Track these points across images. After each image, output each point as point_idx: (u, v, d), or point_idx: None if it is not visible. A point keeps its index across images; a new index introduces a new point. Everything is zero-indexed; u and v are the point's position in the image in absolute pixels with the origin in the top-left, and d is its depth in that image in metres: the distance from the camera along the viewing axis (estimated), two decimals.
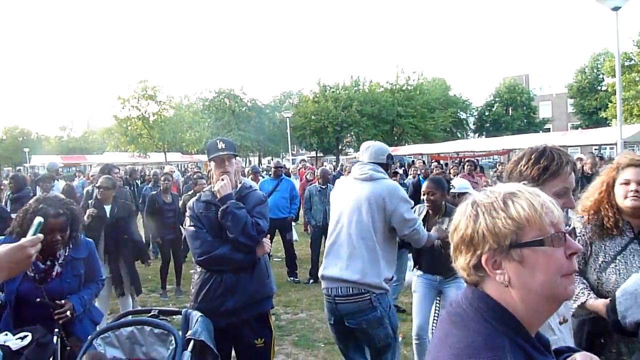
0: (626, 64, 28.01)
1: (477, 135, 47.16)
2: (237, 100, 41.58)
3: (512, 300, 1.05)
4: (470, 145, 27.07)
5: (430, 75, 44.75)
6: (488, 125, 46.12)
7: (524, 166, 1.74)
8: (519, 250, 1.03)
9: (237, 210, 2.94)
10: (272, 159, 14.58)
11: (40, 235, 1.58)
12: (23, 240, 1.54)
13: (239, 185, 3.14)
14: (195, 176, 8.56)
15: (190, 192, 7.30)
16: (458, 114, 44.59)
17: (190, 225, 3.05)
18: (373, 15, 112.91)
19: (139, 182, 12.14)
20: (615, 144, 9.62)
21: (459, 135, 44.30)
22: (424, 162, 18.82)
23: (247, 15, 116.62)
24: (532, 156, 1.74)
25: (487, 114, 46.72)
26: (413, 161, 22.51)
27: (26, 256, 1.53)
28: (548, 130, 45.11)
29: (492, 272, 1.05)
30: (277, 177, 8.04)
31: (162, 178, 7.17)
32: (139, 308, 5.29)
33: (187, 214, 3.14)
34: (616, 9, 8.01)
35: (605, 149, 21.18)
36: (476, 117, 47.75)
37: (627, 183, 2.21)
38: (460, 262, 1.10)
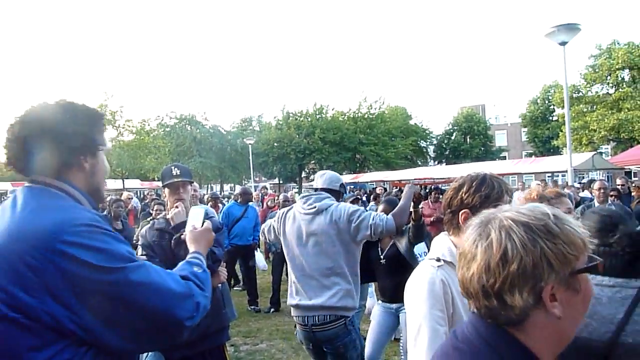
0: (574, 95, 29.57)
1: (437, 163, 48.28)
2: (198, 126, 41.23)
3: (552, 334, 0.95)
4: (431, 172, 27.63)
5: (392, 104, 45.87)
6: (447, 153, 47.34)
7: (465, 194, 1.75)
8: (576, 278, 0.94)
9: None
10: (234, 186, 14.38)
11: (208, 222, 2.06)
12: (207, 224, 2.03)
13: None
14: (153, 203, 8.33)
15: (149, 219, 7.09)
16: (418, 142, 45.60)
17: (142, 254, 2.94)
18: (337, 43, 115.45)
19: None
20: (566, 172, 10.01)
21: (420, 163, 45.20)
22: (385, 190, 19.02)
23: (211, 40, 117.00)
24: (474, 184, 1.75)
25: (446, 142, 48.00)
26: (374, 188, 22.72)
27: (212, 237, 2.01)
28: (504, 158, 46.67)
29: (550, 306, 0.92)
30: (245, 203, 7.95)
31: (114, 205, 6.91)
32: None
33: (139, 242, 3.04)
34: (563, 43, 8.45)
35: (558, 175, 22.03)
36: (436, 145, 48.96)
37: None
38: (515, 299, 0.91)
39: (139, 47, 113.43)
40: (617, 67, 27.74)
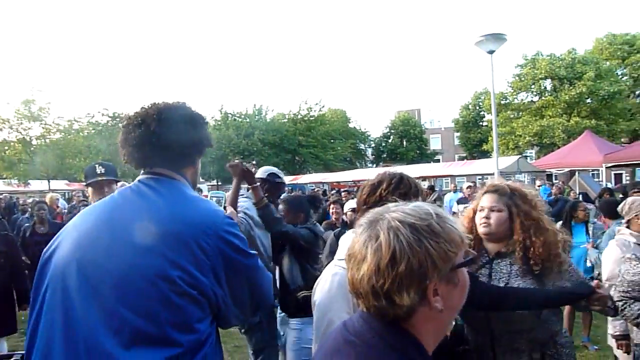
0: (502, 102, 31.24)
1: (375, 165, 49.32)
2: None
3: (434, 325, 1.01)
4: (369, 174, 27.97)
5: (332, 107, 46.41)
6: (385, 155, 48.47)
7: (384, 190, 1.77)
8: (455, 273, 0.99)
9: None
10: None
11: None
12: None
13: None
14: (80, 205, 7.95)
15: None
16: (357, 145, 46.41)
17: None
18: (277, 45, 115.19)
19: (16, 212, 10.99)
20: (493, 174, 10.55)
21: (358, 165, 45.97)
22: (324, 192, 19.20)
23: (147, 36, 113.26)
24: (393, 181, 1.79)
25: (384, 145, 49.14)
26: (313, 189, 22.86)
27: None
28: (438, 160, 48.42)
29: (433, 301, 0.96)
30: None
31: (36, 207, 6.46)
32: (5, 353, 4.69)
33: None
34: (491, 52, 8.88)
35: (487, 178, 23.14)
36: (374, 147, 50.02)
37: (482, 210, 2.34)
38: (404, 299, 0.94)
39: (72, 41, 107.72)
40: (540, 76, 29.62)
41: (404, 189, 1.77)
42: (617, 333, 3.57)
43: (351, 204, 5.28)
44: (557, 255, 2.23)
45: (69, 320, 1.35)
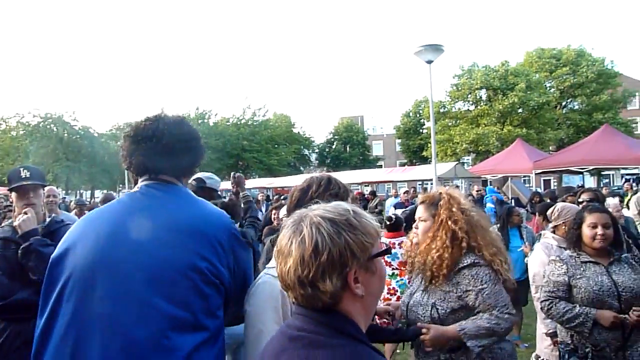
0: (441, 111, 32.37)
1: (319, 170, 49.60)
2: (66, 127, 37.74)
3: (360, 310, 1.10)
4: None
5: (276, 112, 46.26)
6: (329, 161, 48.88)
7: (314, 193, 1.77)
8: (373, 262, 1.10)
9: (43, 248, 2.59)
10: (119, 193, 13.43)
11: None
12: None
13: (48, 219, 2.78)
14: (5, 209, 7.44)
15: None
16: (301, 150, 46.50)
17: None
18: (222, 49, 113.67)
19: None
20: (432, 180, 10.90)
21: (302, 170, 46.07)
22: (268, 197, 19.10)
23: (83, 34, 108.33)
24: (322, 184, 1.80)
25: (327, 150, 49.55)
26: (257, 194, 22.69)
27: None
28: (380, 166, 49.43)
29: (354, 287, 1.06)
30: None
31: None
32: None
33: None
34: (429, 62, 9.20)
35: (427, 184, 23.88)
36: (318, 153, 50.32)
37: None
38: (327, 286, 1.04)
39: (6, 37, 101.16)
40: (476, 86, 30.96)
41: (334, 189, 1.78)
42: (551, 331, 3.74)
43: (285, 210, 5.27)
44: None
45: (103, 315, 1.46)
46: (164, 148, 1.69)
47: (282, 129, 43.33)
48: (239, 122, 40.18)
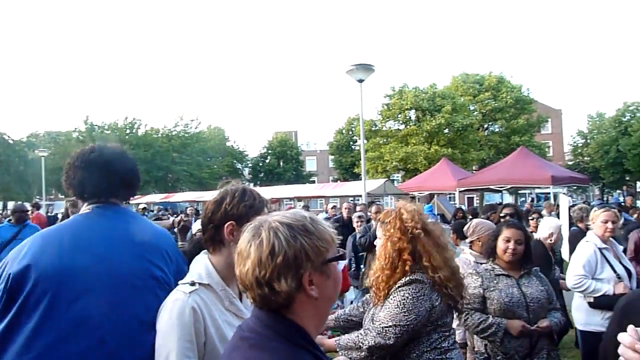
0: (372, 129, 33.25)
1: (252, 184, 49.22)
2: None
3: (312, 312, 1.16)
4: None
5: (210, 124, 45.55)
6: (262, 175, 48.65)
7: (228, 205, 1.71)
8: (328, 266, 1.16)
9: None
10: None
11: None
12: None
13: None
14: None
15: None
16: (234, 164, 45.96)
17: None
18: (154, 56, 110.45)
19: None
20: (361, 195, 11.17)
21: None
22: (197, 211, 18.63)
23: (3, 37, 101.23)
24: (236, 195, 1.73)
25: (261, 165, 49.33)
26: (186, 208, 22.07)
27: None
28: (313, 181, 49.84)
29: (309, 289, 1.13)
30: (19, 222, 6.90)
31: None
32: None
33: None
34: (361, 81, 9.48)
35: (359, 199, 24.33)
36: (251, 167, 49.96)
37: None
38: (282, 286, 1.10)
39: None
40: (406, 107, 32.14)
41: (249, 201, 1.72)
42: (461, 341, 3.95)
43: (199, 224, 5.21)
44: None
45: (76, 318, 1.61)
46: (116, 175, 1.92)
47: (215, 142, 42.68)
48: (170, 134, 39.09)
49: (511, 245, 3.29)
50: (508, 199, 28.34)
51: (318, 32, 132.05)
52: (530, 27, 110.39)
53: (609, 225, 4.07)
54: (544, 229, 5.03)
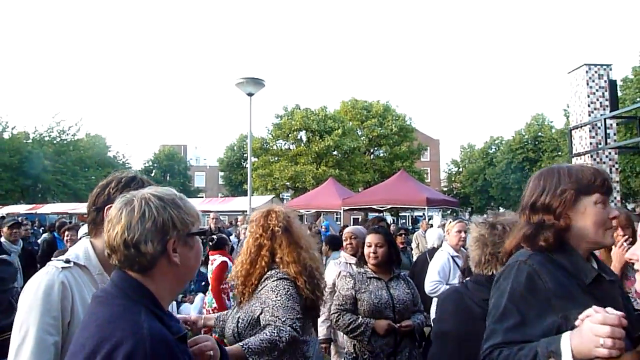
0: (264, 146, 33.45)
1: None
2: None
3: (171, 278, 1.27)
4: None
5: (90, 132, 42.25)
6: None
7: (113, 189, 1.72)
8: (192, 238, 1.30)
9: None
10: None
11: None
12: None
13: None
14: None
15: None
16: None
17: None
18: (26, 56, 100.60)
19: None
20: (247, 211, 11.16)
21: None
22: (70, 222, 17.15)
23: None
24: (123, 180, 1.75)
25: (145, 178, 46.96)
26: (57, 220, 20.23)
27: None
28: (202, 198, 48.55)
29: (172, 255, 1.25)
30: None
31: None
32: None
33: None
34: (250, 94, 9.50)
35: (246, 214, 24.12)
36: None
37: None
38: (147, 248, 1.21)
39: None
40: (296, 127, 32.82)
41: (136, 186, 1.71)
42: (321, 337, 4.19)
43: (85, 229, 4.87)
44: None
45: None
46: None
47: (94, 151, 39.73)
48: (42, 139, 35.69)
49: (372, 249, 3.53)
50: (389, 219, 29.93)
51: (212, 48, 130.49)
52: (415, 61, 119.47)
53: (462, 234, 4.56)
54: (432, 239, 6.07)
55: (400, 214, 33.52)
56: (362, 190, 32.15)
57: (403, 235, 7.63)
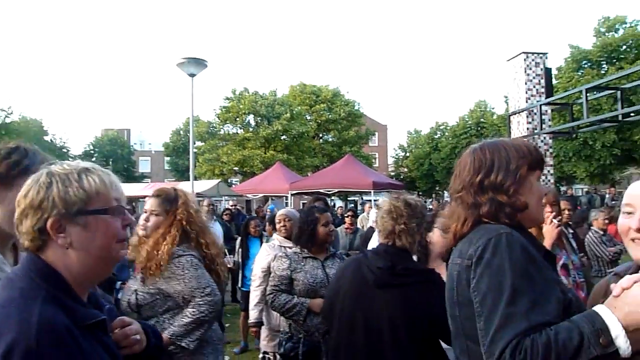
0: (211, 130, 32.79)
1: None
2: None
3: (70, 261, 1.17)
4: None
5: (25, 114, 39.81)
6: None
7: None
8: (84, 217, 1.18)
9: None
10: None
11: None
12: None
13: None
14: None
15: None
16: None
17: None
18: None
19: None
20: None
21: None
22: None
23: None
24: (1, 152, 1.63)
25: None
26: None
27: None
28: (148, 182, 47.10)
29: (55, 236, 1.16)
30: None
31: None
32: None
33: None
34: (192, 75, 9.22)
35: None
36: None
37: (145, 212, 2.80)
38: (26, 226, 1.15)
39: None
40: (244, 111, 32.32)
41: (17, 156, 1.62)
42: (252, 321, 4.20)
43: None
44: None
45: None
46: None
47: (29, 135, 37.56)
48: None
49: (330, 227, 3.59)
50: (339, 203, 30.17)
51: (157, 27, 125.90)
52: (364, 48, 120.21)
53: None
54: (372, 219, 6.30)
55: (349, 198, 33.85)
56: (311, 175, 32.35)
57: (350, 217, 7.70)
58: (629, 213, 1.50)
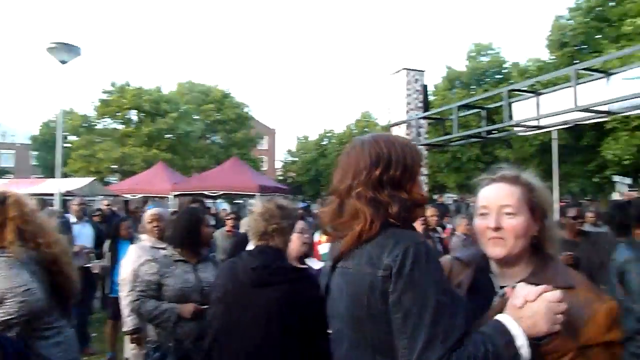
0: (87, 125, 30.40)
1: None
2: None
3: None
4: None
5: None
6: None
7: None
8: None
9: None
10: None
11: None
12: None
13: None
14: None
15: None
16: None
17: None
18: None
19: None
20: (54, 194, 10.16)
21: None
22: None
23: None
24: None
25: None
26: None
27: None
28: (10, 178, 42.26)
29: None
30: None
31: None
32: None
33: None
34: (64, 62, 8.46)
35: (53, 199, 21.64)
36: None
37: None
38: None
39: None
40: (126, 106, 30.45)
41: None
42: (129, 329, 3.90)
43: None
44: None
45: None
46: None
47: None
48: None
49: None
50: (224, 205, 29.59)
51: (23, 10, 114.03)
52: (254, 51, 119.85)
53: None
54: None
55: (235, 201, 33.43)
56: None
57: (232, 220, 7.55)
58: (484, 214, 1.57)
